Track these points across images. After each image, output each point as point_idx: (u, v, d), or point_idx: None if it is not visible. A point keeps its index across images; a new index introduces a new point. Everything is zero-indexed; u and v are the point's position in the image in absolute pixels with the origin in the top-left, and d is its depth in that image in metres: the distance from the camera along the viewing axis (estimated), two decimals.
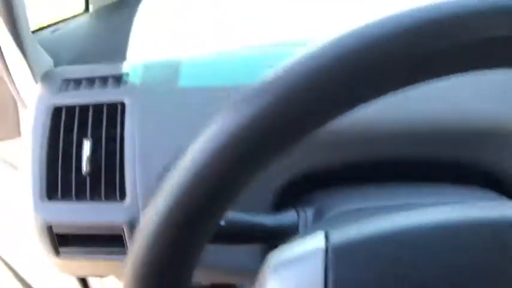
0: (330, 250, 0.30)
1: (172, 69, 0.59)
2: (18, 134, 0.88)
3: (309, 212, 0.49)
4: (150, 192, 0.54)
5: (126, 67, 0.61)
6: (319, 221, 0.48)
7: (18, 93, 0.64)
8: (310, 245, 0.31)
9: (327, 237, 0.31)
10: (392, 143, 0.53)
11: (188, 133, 0.55)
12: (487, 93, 0.54)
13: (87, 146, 0.56)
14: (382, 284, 0.29)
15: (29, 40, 0.59)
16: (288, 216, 0.49)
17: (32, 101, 0.60)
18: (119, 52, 0.69)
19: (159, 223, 0.28)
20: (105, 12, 0.86)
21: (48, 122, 0.58)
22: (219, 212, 0.28)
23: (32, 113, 0.59)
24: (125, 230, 0.54)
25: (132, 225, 0.54)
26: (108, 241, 0.56)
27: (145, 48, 0.69)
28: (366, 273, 0.29)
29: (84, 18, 0.84)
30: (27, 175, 0.57)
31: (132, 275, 0.29)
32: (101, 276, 0.63)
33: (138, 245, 0.29)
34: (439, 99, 0.53)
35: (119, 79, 0.60)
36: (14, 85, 0.63)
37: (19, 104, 0.82)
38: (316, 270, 0.29)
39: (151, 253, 0.28)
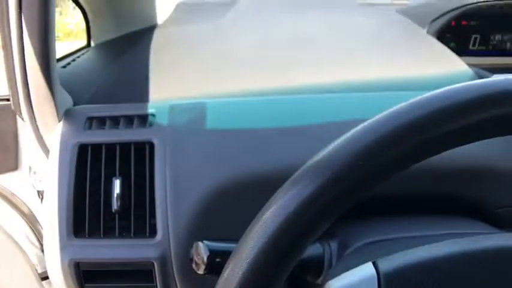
0: (381, 277, 0.36)
1: (198, 112, 0.62)
2: (16, 167, 0.87)
3: (333, 245, 0.53)
4: (181, 230, 0.56)
5: (151, 108, 0.63)
6: (343, 253, 0.53)
7: (38, 130, 0.65)
8: (363, 274, 0.37)
9: (375, 266, 0.37)
10: (395, 179, 0.59)
11: (216, 173, 0.58)
12: None
13: (117, 184, 0.57)
14: None
15: (56, 77, 0.61)
16: (312, 249, 0.53)
17: (55, 138, 0.61)
18: (131, 91, 0.71)
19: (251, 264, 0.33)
20: (106, 46, 0.88)
21: (74, 160, 0.59)
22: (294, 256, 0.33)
23: (56, 150, 0.60)
24: (155, 265, 0.56)
25: (163, 261, 0.56)
26: (136, 277, 0.57)
27: (160, 88, 0.72)
28: None
29: (89, 53, 0.86)
30: (52, 213, 0.58)
31: None
32: None
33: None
34: None
35: (144, 119, 0.62)
36: (35, 122, 0.64)
37: (21, 139, 0.82)
38: None
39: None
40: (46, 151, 0.68)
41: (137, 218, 0.58)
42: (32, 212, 0.89)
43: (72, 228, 0.57)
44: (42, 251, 0.93)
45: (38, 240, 0.92)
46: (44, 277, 0.91)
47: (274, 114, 0.63)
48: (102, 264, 0.57)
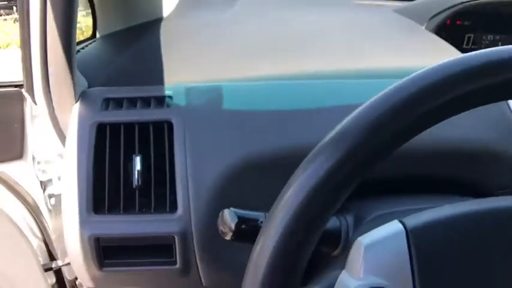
0: (409, 232, 0.38)
1: (215, 94, 0.63)
2: (21, 156, 0.87)
3: (349, 218, 0.55)
4: (202, 205, 0.57)
5: (167, 90, 0.64)
6: (359, 224, 0.54)
7: (53, 111, 0.65)
8: (391, 230, 0.40)
9: (402, 223, 0.40)
10: (398, 160, 0.61)
11: (235, 151, 0.59)
12: (477, 122, 0.64)
13: (137, 161, 0.58)
14: (452, 253, 0.38)
15: (75, 58, 0.62)
16: (329, 222, 0.54)
17: (73, 118, 0.62)
18: (145, 76, 0.72)
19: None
20: (113, 38, 0.89)
21: (92, 138, 0.60)
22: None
23: (74, 130, 0.61)
24: (176, 240, 0.57)
25: (184, 235, 0.57)
26: (156, 252, 0.58)
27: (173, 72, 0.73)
28: (440, 247, 0.38)
29: (96, 43, 0.87)
30: (71, 190, 0.58)
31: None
32: None
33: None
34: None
35: (161, 100, 0.63)
36: (51, 103, 0.64)
37: (28, 126, 0.82)
38: (401, 247, 0.38)
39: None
40: (60, 133, 0.68)
41: (157, 194, 0.58)
42: (35, 202, 0.88)
43: (92, 205, 0.58)
44: (45, 242, 0.93)
45: (41, 231, 0.91)
46: (47, 268, 0.90)
47: (287, 98, 0.64)
48: (123, 239, 0.57)
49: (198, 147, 0.59)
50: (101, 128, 0.61)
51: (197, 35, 0.83)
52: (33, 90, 0.67)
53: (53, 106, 0.65)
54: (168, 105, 0.63)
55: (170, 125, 0.61)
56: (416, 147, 0.60)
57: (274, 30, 0.86)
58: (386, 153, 0.36)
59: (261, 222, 0.48)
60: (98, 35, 0.92)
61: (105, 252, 0.58)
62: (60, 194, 0.97)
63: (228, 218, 0.48)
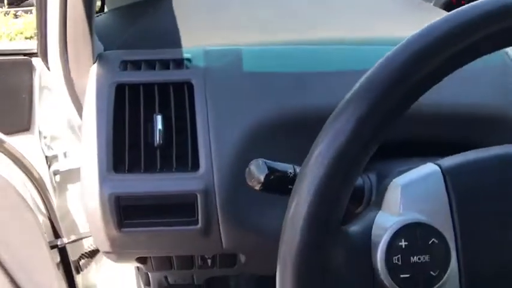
0: (444, 171, 0.39)
1: (234, 56, 0.63)
2: (29, 127, 0.85)
3: (372, 176, 0.55)
4: (224, 164, 0.57)
5: (186, 52, 0.64)
6: (382, 181, 0.55)
7: (69, 73, 0.64)
8: (426, 170, 0.40)
9: (437, 164, 0.40)
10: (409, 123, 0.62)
11: (257, 110, 0.59)
12: (491, 89, 0.65)
13: (158, 120, 0.58)
14: (488, 191, 0.39)
15: (94, 20, 0.61)
16: None
17: (91, 78, 0.61)
18: (161, 40, 0.71)
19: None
20: (123, 10, 0.88)
21: (112, 98, 0.59)
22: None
23: (93, 90, 0.60)
24: (198, 198, 0.56)
25: (207, 193, 0.56)
26: (177, 212, 0.57)
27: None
28: (476, 185, 0.39)
29: (106, 15, 0.86)
30: (91, 149, 0.57)
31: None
32: (158, 254, 0.63)
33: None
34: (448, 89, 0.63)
35: (180, 63, 0.63)
36: (68, 64, 0.63)
37: (36, 97, 0.80)
38: (438, 185, 0.39)
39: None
40: (75, 100, 0.67)
41: (178, 154, 0.58)
42: (41, 177, 0.87)
43: (112, 164, 0.57)
44: (50, 219, 0.91)
45: (46, 208, 0.89)
46: (52, 246, 0.88)
47: (305, 61, 0.65)
48: (143, 198, 0.56)
49: (220, 107, 0.59)
50: (119, 89, 0.60)
51: (211, 2, 0.82)
52: (47, 55, 0.66)
53: (68, 68, 0.64)
54: (187, 67, 0.62)
55: (190, 86, 0.60)
56: (431, 111, 0.61)
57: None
58: (413, 99, 0.36)
59: (291, 173, 0.49)
60: (106, 9, 0.92)
61: (125, 212, 0.57)
62: (65, 170, 0.96)
63: (258, 168, 0.47)
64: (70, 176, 0.93)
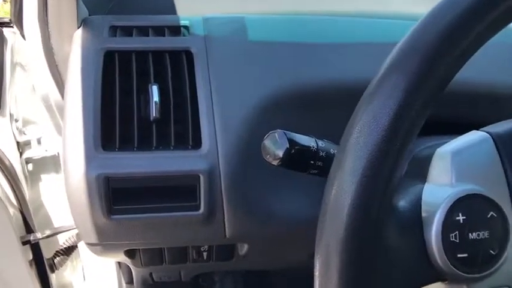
0: (495, 137, 0.36)
1: (236, 24, 0.57)
2: None
3: None
4: (230, 141, 0.50)
5: (183, 20, 0.57)
6: (410, 155, 0.50)
7: (49, 39, 0.56)
8: (475, 136, 0.37)
9: (485, 131, 0.37)
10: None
11: (265, 82, 0.53)
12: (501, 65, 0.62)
13: (154, 91, 0.50)
14: None
15: None
16: None
17: (75, 45, 0.53)
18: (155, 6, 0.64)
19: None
20: None
21: (99, 67, 0.52)
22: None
23: (77, 57, 0.52)
24: (201, 179, 0.49)
25: (211, 174, 0.49)
26: (175, 197, 0.50)
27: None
28: None
29: None
30: (75, 125, 0.50)
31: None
32: (152, 246, 0.55)
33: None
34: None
35: (176, 30, 0.56)
36: (47, 29, 0.56)
37: (7, 74, 0.72)
38: (491, 152, 0.35)
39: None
40: (54, 72, 0.59)
41: (177, 130, 0.51)
42: (12, 165, 0.78)
43: (100, 140, 0.49)
44: (21, 212, 0.82)
45: (17, 199, 0.80)
46: (24, 242, 0.80)
47: (309, 31, 0.60)
48: (137, 179, 0.49)
49: (225, 78, 0.52)
50: (108, 56, 0.53)
51: None
52: (22, 20, 0.58)
53: (48, 33, 0.56)
54: (184, 35, 0.56)
55: (189, 55, 0.54)
56: (450, 89, 0.57)
57: None
58: (463, 60, 0.32)
59: (314, 147, 0.43)
60: None
61: (115, 196, 0.49)
62: (39, 158, 0.87)
63: (277, 140, 0.41)
64: (44, 164, 0.84)
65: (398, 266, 0.33)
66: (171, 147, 0.50)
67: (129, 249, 0.58)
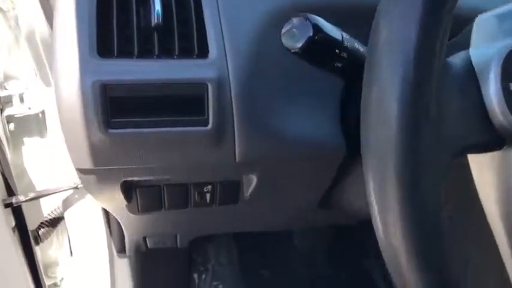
0: None
1: None
2: None
3: None
4: (240, 49, 0.46)
5: None
6: None
7: None
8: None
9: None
10: None
11: None
12: None
13: None
14: None
15: None
16: None
17: None
18: None
19: None
20: None
21: None
22: None
23: None
24: (209, 89, 0.44)
25: (220, 82, 0.45)
26: (182, 107, 0.45)
27: None
28: None
29: None
30: (68, 31, 0.45)
31: None
32: (151, 175, 0.50)
33: None
34: None
35: None
36: None
37: None
38: None
39: None
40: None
41: (181, 36, 0.46)
42: None
43: (96, 46, 0.44)
44: (2, 174, 0.76)
45: None
46: (6, 204, 0.73)
47: None
48: (137, 88, 0.44)
49: None
50: None
51: None
52: None
53: None
54: None
55: None
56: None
57: None
58: None
59: (341, 38, 0.39)
60: None
61: (113, 106, 0.44)
62: (21, 117, 0.81)
63: (299, 25, 0.37)
64: (27, 125, 0.78)
65: (456, 128, 0.31)
66: (175, 56, 0.45)
67: (126, 188, 0.52)
